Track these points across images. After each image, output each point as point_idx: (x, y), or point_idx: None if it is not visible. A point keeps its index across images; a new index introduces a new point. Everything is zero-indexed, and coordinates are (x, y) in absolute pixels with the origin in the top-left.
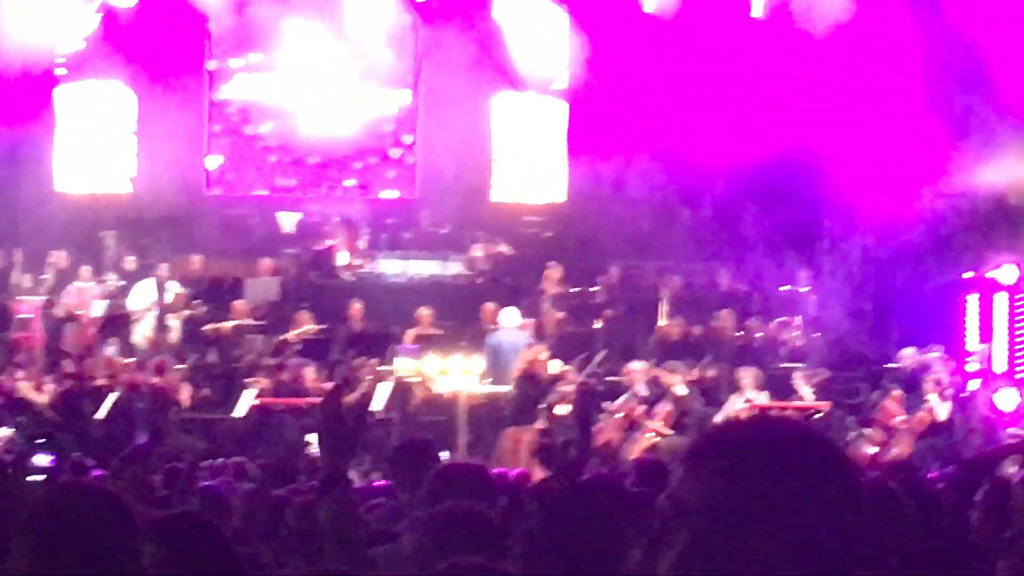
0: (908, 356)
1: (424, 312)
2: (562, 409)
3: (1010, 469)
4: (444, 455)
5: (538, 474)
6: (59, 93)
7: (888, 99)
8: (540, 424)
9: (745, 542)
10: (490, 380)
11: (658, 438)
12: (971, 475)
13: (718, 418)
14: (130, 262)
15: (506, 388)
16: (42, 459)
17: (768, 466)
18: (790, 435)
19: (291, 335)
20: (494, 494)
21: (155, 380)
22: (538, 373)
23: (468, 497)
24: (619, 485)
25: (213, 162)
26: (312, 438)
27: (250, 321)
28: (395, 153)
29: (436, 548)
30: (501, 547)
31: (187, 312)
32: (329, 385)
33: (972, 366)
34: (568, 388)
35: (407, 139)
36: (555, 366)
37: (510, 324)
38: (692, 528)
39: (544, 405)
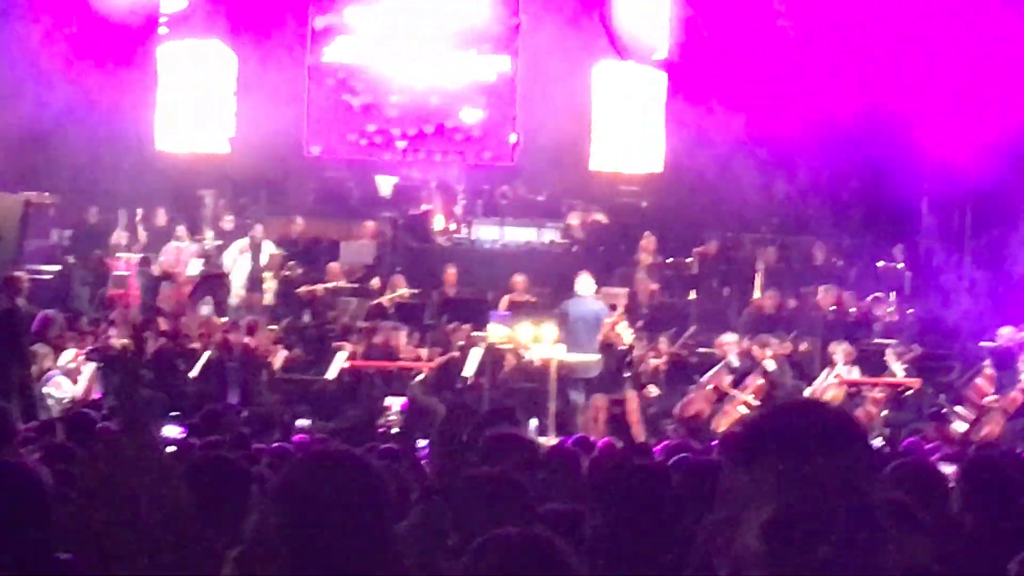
0: (1005, 335)
1: (518, 279)
2: (653, 390)
3: None
4: (533, 423)
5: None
6: (161, 51)
7: (995, 70)
8: (627, 394)
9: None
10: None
11: (748, 411)
12: None
13: (808, 392)
14: (227, 222)
15: (594, 357)
16: (172, 430)
17: (823, 467)
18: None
19: (385, 299)
20: (534, 467)
21: (247, 340)
22: (613, 341)
23: (510, 466)
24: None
25: (312, 124)
26: (391, 402)
27: (344, 284)
28: (494, 120)
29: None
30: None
31: (282, 273)
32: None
33: None
34: (658, 360)
35: (506, 106)
36: (627, 334)
37: (584, 292)
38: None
39: (629, 375)
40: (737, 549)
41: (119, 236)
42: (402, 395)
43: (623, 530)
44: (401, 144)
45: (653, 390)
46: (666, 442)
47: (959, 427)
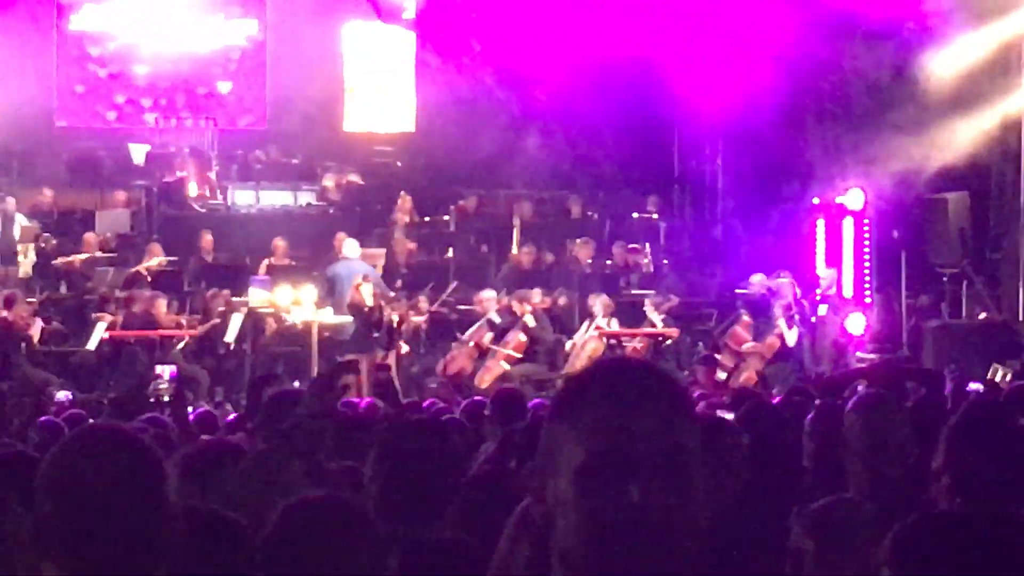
0: (757, 282)
1: (278, 243)
2: (404, 348)
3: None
4: (296, 386)
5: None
6: None
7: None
8: (379, 356)
9: (629, 494)
10: (331, 310)
11: (509, 366)
12: (820, 399)
13: (568, 345)
14: None
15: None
16: None
17: (634, 415)
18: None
19: (142, 267)
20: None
21: (4, 314)
22: (359, 302)
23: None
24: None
25: (60, 94)
26: (161, 370)
27: (101, 254)
28: (245, 83)
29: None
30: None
31: (36, 245)
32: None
33: (820, 291)
34: (419, 319)
35: (256, 69)
36: (368, 295)
37: (351, 254)
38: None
39: (377, 335)
40: (550, 496)
41: None
42: (170, 363)
43: (406, 486)
44: (151, 117)
45: (403, 348)
46: (432, 400)
47: (718, 375)
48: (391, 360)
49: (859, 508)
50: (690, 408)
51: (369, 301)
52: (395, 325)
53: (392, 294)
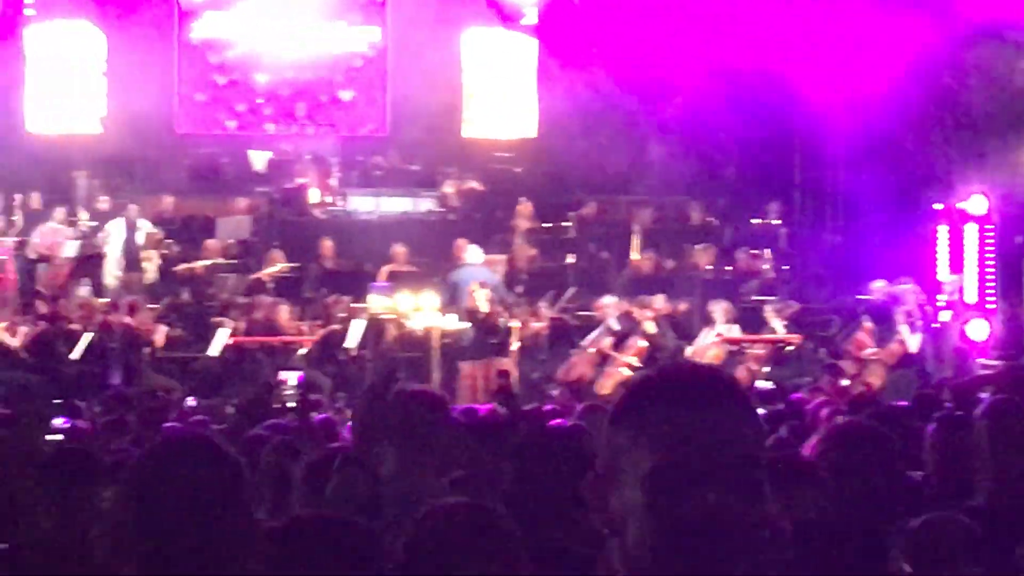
0: (879, 288)
1: (398, 249)
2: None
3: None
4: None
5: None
6: (28, 33)
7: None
8: (498, 362)
9: (687, 501)
10: (454, 316)
11: (629, 372)
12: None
13: (689, 351)
14: (102, 202)
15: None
16: (58, 420)
17: (696, 422)
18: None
19: (263, 274)
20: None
21: (128, 320)
22: (473, 308)
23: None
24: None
25: (182, 101)
26: (287, 376)
27: (222, 260)
28: (365, 90)
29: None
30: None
31: (159, 252)
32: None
33: (943, 297)
34: (539, 325)
35: (377, 76)
36: (483, 302)
37: (473, 260)
38: (644, 491)
39: (494, 342)
40: (614, 504)
41: None
42: (294, 369)
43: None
44: (271, 124)
45: (513, 347)
46: (551, 406)
47: (841, 382)
48: (509, 365)
49: (959, 527)
50: (753, 412)
51: (484, 307)
52: (509, 331)
53: (512, 299)
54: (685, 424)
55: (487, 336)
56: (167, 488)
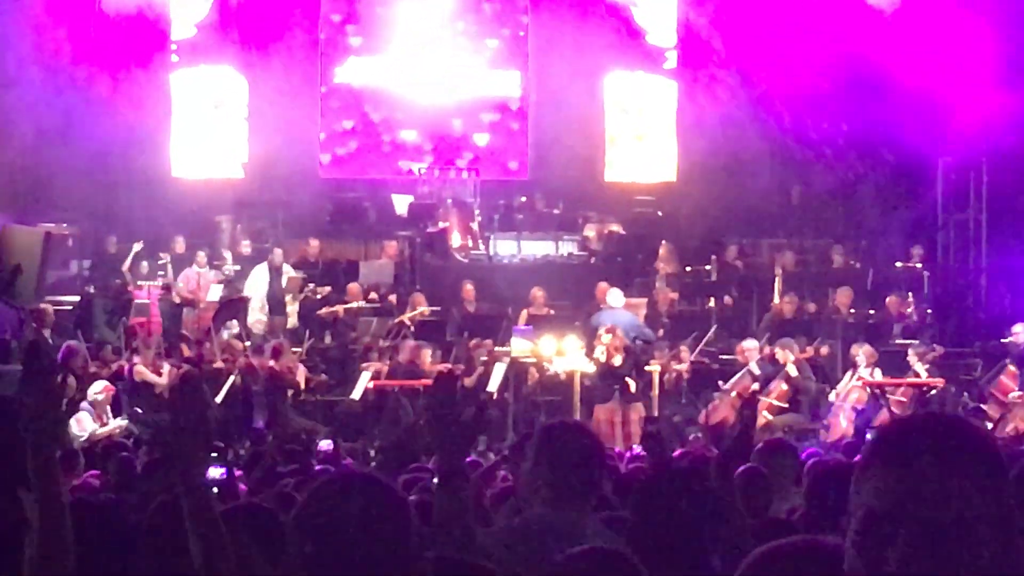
0: (1021, 331)
1: (538, 293)
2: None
3: None
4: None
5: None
6: (174, 79)
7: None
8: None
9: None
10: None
11: (772, 416)
12: None
13: (831, 395)
14: (245, 246)
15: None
16: (214, 472)
17: (946, 470)
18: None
19: (406, 317)
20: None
21: (271, 363)
22: (595, 353)
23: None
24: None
25: (325, 146)
26: None
27: (365, 304)
28: (507, 134)
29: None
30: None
31: (302, 295)
32: (442, 367)
33: None
34: (680, 367)
35: (519, 120)
36: (607, 343)
37: (615, 304)
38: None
39: (618, 388)
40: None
41: (138, 265)
42: None
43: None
44: (414, 167)
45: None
46: (684, 451)
47: (985, 425)
48: (641, 411)
49: None
50: (1005, 470)
51: (601, 355)
52: (632, 375)
53: (654, 339)
54: (916, 474)
55: (611, 380)
56: (338, 526)
